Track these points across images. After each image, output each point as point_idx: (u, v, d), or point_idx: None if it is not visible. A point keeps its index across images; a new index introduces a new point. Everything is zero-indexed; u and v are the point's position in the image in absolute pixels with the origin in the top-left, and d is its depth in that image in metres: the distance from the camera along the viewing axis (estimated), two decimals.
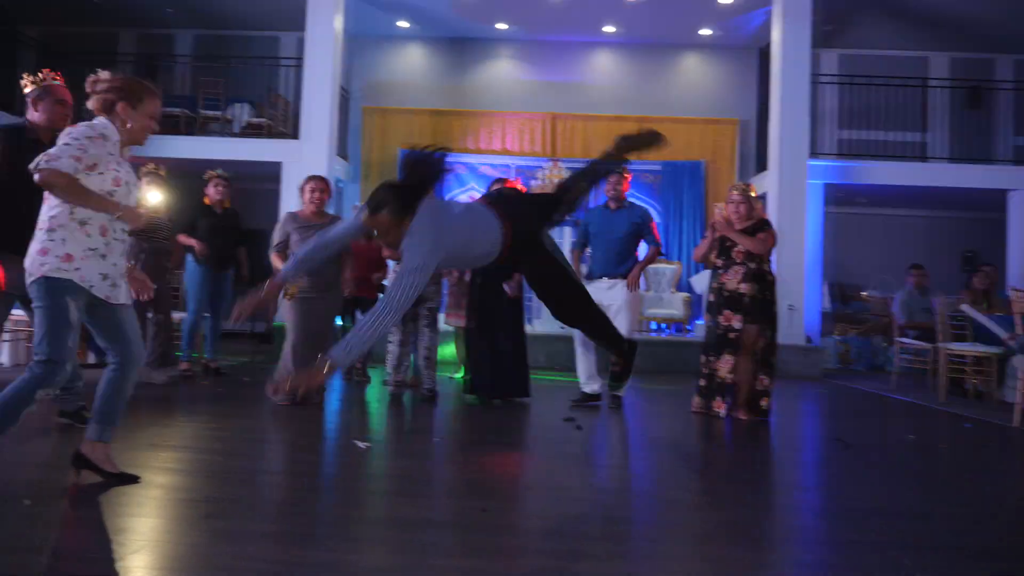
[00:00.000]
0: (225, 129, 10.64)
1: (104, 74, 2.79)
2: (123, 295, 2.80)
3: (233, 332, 9.48)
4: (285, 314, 5.06)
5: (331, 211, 5.65)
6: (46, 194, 2.67)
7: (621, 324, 5.33)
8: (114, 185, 2.69)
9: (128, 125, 2.75)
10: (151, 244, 5.59)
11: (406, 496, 2.96)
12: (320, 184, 5.09)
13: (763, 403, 4.98)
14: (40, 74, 3.82)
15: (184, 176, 10.21)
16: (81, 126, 2.67)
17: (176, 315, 6.70)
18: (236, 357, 7.91)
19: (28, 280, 2.64)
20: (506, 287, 5.26)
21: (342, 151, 10.81)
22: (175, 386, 5.62)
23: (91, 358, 6.68)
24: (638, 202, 5.93)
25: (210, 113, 10.61)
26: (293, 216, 5.07)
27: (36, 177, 2.55)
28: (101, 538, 2.25)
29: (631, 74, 11.66)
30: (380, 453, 3.72)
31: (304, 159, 9.48)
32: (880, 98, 10.83)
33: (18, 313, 6.19)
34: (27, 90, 3.76)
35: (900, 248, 11.48)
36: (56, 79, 3.82)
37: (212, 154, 9.80)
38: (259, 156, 10.05)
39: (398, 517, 2.68)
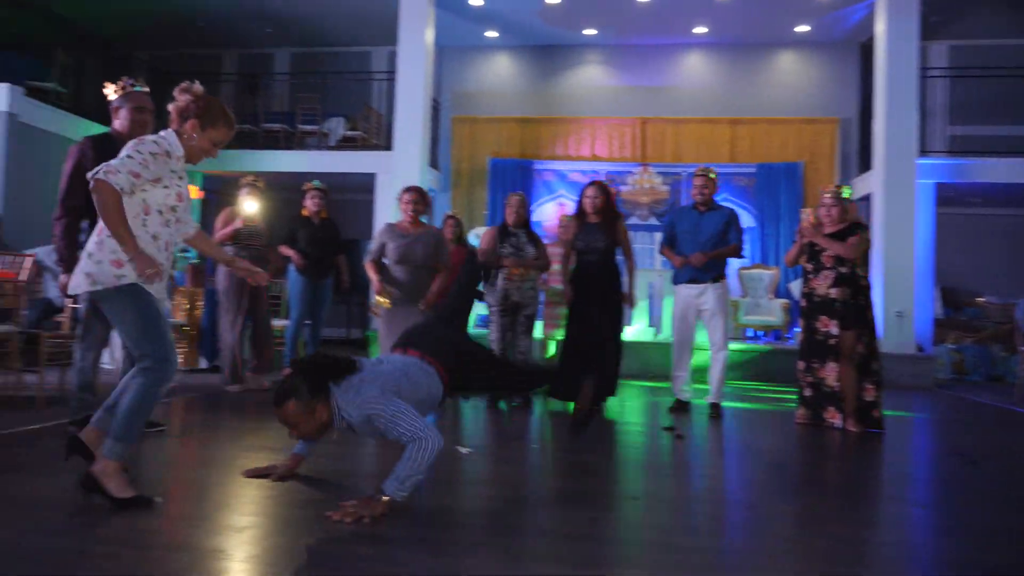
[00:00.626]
0: (322, 143, 10.98)
1: (198, 87, 2.79)
2: (166, 300, 2.88)
3: (331, 339, 9.77)
4: (379, 322, 5.12)
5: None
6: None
7: (716, 330, 5.22)
8: (177, 200, 2.72)
9: (191, 142, 2.75)
10: (248, 252, 5.79)
11: (511, 503, 2.94)
12: (416, 195, 5.13)
13: (875, 413, 4.75)
14: (121, 81, 3.84)
15: (284, 189, 10.61)
16: (149, 141, 2.67)
17: (278, 322, 6.95)
18: None
19: (91, 287, 2.61)
20: (626, 306, 5.32)
21: (433, 161, 10.98)
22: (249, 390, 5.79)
23: (203, 363, 6.97)
24: (726, 205, 5.75)
25: (307, 128, 10.98)
26: (391, 226, 5.13)
27: (90, 184, 2.54)
28: (220, 538, 2.32)
29: (723, 75, 11.38)
30: (481, 459, 3.71)
31: (397, 170, 9.68)
32: (995, 90, 10.20)
33: None
34: (110, 98, 3.84)
35: (1020, 251, 10.76)
36: (137, 85, 3.86)
37: (310, 167, 10.15)
38: (354, 168, 10.32)
39: (504, 524, 2.65)
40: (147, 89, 3.91)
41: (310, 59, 12.44)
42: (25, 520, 2.42)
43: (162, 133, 2.75)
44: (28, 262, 4.94)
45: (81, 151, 3.77)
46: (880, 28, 9.17)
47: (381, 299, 4.91)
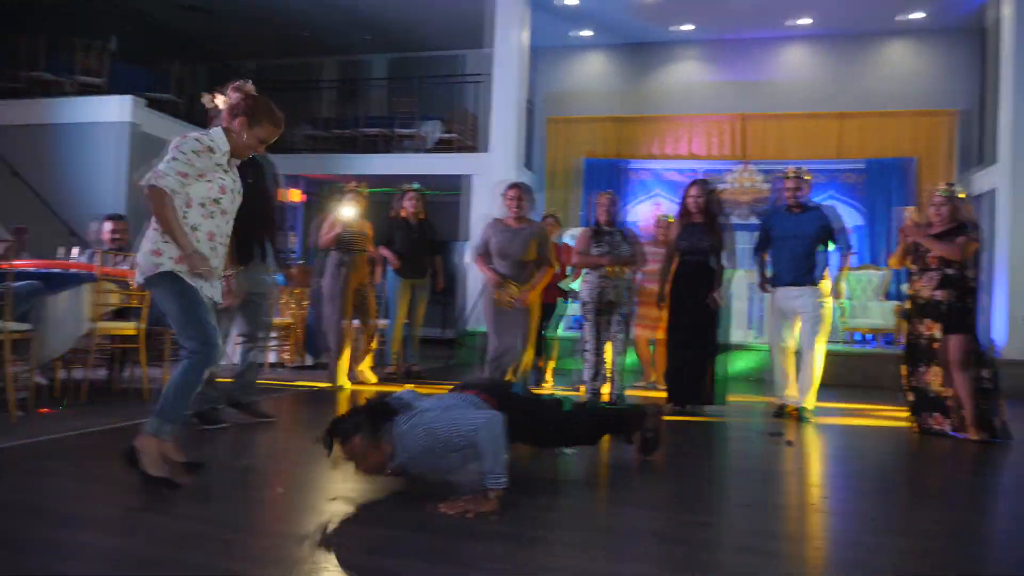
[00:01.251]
0: (418, 146, 11.18)
1: (250, 87, 2.92)
2: (218, 294, 2.93)
3: (427, 338, 9.92)
4: (485, 317, 5.12)
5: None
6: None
7: (809, 333, 4.98)
8: (220, 193, 2.80)
9: (239, 139, 2.85)
10: (351, 256, 5.94)
11: (620, 505, 2.88)
12: (519, 191, 5.14)
13: (996, 422, 4.43)
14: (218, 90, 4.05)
15: (382, 191, 10.87)
16: (191, 139, 2.75)
17: (379, 323, 7.09)
18: (431, 362, 8.22)
19: (141, 277, 2.76)
20: (710, 300, 5.10)
21: (527, 162, 11.01)
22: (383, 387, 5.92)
23: (309, 360, 7.20)
24: (824, 203, 5.47)
25: (404, 131, 11.19)
26: (495, 221, 5.16)
27: (144, 191, 2.66)
28: (346, 529, 2.36)
29: (828, 67, 10.93)
30: (584, 460, 3.66)
31: (492, 171, 9.75)
32: None
33: None
34: (208, 106, 4.05)
35: None
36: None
37: (407, 170, 10.34)
38: (450, 170, 10.47)
39: (614, 526, 2.60)
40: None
41: (406, 64, 12.69)
42: (142, 499, 2.54)
43: (209, 130, 2.87)
44: None
45: None
46: (1007, 11, 8.59)
47: (502, 294, 4.90)
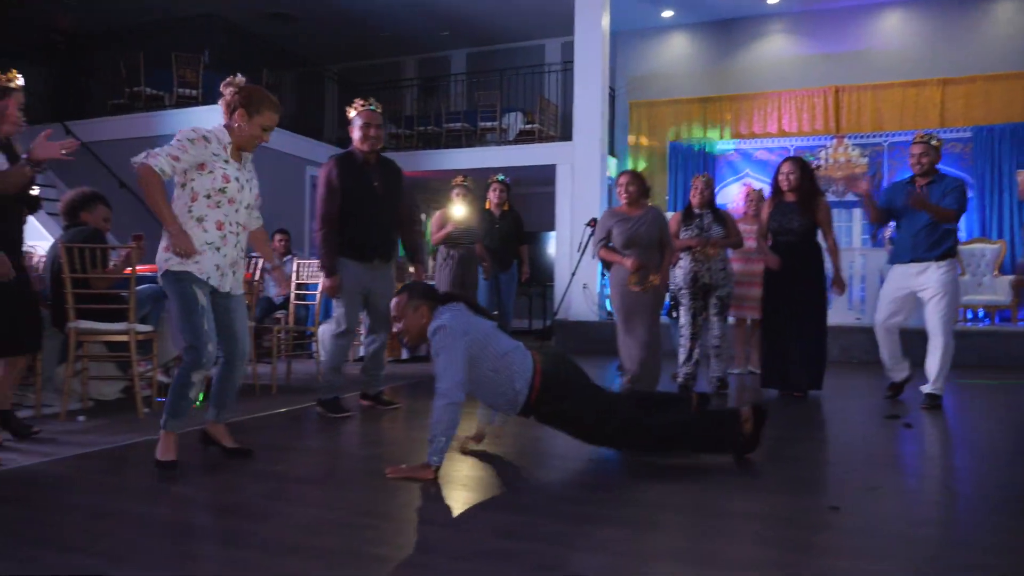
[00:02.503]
0: (501, 138, 11.22)
1: (240, 79, 2.93)
2: (230, 283, 2.94)
3: (516, 330, 9.97)
4: (616, 304, 5.04)
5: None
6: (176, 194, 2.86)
7: (935, 313, 4.65)
8: (224, 182, 2.82)
9: (241, 131, 2.87)
10: (460, 252, 6.02)
11: (740, 489, 2.82)
12: (629, 177, 5.06)
13: None
14: (360, 102, 4.30)
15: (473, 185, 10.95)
16: (188, 130, 2.82)
17: None
18: None
19: (158, 275, 2.87)
20: (831, 292, 4.94)
21: (610, 149, 10.89)
22: None
23: (404, 354, 7.34)
24: (949, 173, 5.02)
25: (487, 125, 11.25)
26: (611, 211, 5.14)
27: (136, 169, 2.72)
28: (468, 515, 2.40)
29: (928, 33, 10.36)
30: None
31: (576, 159, 9.69)
32: None
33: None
34: (350, 116, 4.32)
35: None
36: (365, 105, 4.27)
37: (490, 163, 10.39)
38: (534, 161, 10.45)
39: (733, 511, 2.54)
40: (378, 108, 4.31)
41: (485, 57, 12.75)
42: (271, 488, 2.63)
43: (217, 126, 2.91)
44: (260, 263, 5.40)
45: (328, 169, 4.23)
46: None
47: (643, 279, 4.81)
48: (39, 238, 7.64)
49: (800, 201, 5.01)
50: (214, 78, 10.17)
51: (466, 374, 2.83)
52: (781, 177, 5.08)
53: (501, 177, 7.05)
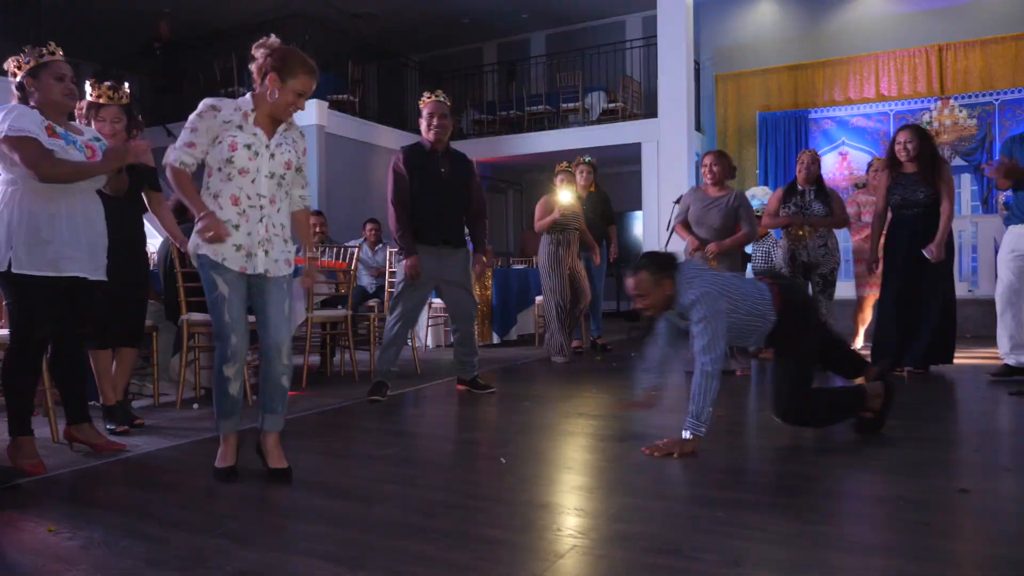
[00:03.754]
0: (584, 119, 11.09)
1: (274, 40, 2.63)
2: (263, 264, 2.61)
3: (607, 312, 9.88)
4: None
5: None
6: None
7: None
8: (230, 151, 2.54)
9: (274, 96, 2.57)
10: (565, 236, 6.00)
11: (862, 472, 2.70)
12: (713, 158, 5.08)
13: None
14: (427, 94, 4.40)
15: (549, 169, 10.90)
16: (198, 107, 2.59)
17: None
18: (613, 335, 8.18)
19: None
20: (926, 251, 4.63)
21: (697, 124, 10.61)
22: (572, 362, 5.95)
23: (495, 338, 7.38)
24: None
25: (569, 106, 11.14)
26: (694, 189, 5.21)
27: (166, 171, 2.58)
28: (575, 496, 2.38)
29: None
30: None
31: (662, 136, 9.49)
32: None
33: (439, 301, 7.10)
34: (421, 107, 4.41)
35: None
36: (432, 97, 4.36)
37: (574, 144, 10.31)
38: (618, 140, 10.31)
39: (864, 493, 2.43)
40: (446, 99, 4.40)
41: (565, 38, 12.62)
42: (381, 472, 2.68)
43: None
44: (356, 252, 5.52)
45: (397, 158, 4.35)
46: None
47: (694, 257, 4.86)
48: (151, 235, 8.06)
49: (922, 171, 4.73)
50: None
51: (726, 340, 2.89)
52: (898, 147, 4.81)
53: (588, 159, 7.00)
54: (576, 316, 6.14)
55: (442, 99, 4.39)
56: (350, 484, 2.59)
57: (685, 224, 5.06)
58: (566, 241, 6.01)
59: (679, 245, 4.90)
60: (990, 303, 4.84)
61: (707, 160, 5.06)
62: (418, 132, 11.84)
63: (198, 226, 2.51)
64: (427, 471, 2.80)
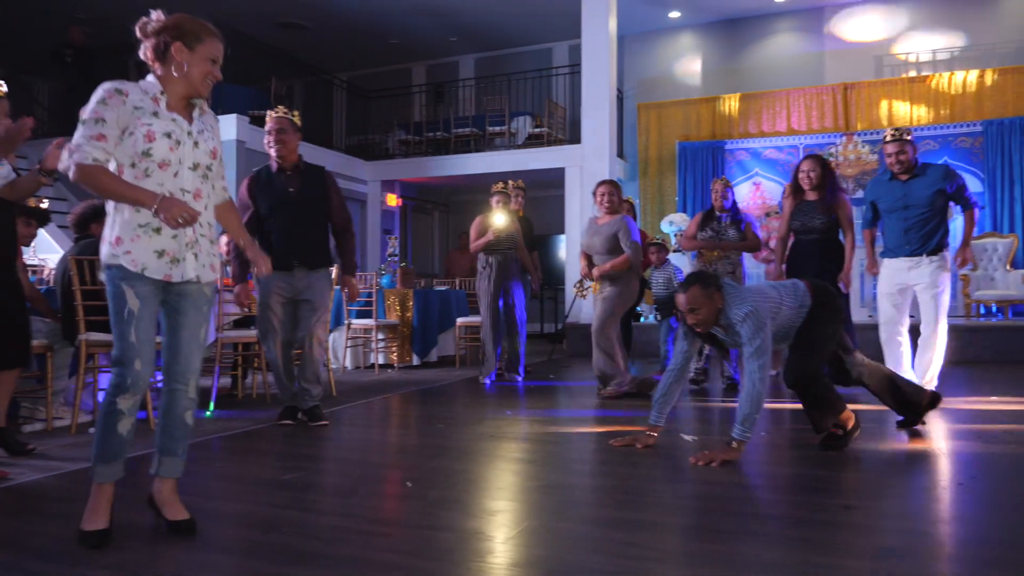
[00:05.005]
0: (510, 142, 11.21)
1: (156, 14, 2.28)
2: (193, 269, 2.27)
3: (530, 334, 9.95)
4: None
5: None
6: None
7: (928, 307, 4.57)
8: (147, 141, 2.18)
9: (185, 69, 2.23)
10: (497, 258, 6.01)
11: (756, 489, 2.79)
12: (607, 188, 5.34)
13: None
14: (270, 111, 4.19)
15: (475, 191, 10.93)
16: (97, 90, 2.20)
17: (476, 319, 7.14)
18: (535, 356, 8.23)
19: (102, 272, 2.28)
20: (841, 285, 4.88)
21: (619, 151, 10.86)
22: (495, 383, 5.95)
23: (415, 360, 7.33)
24: (934, 163, 4.88)
25: (495, 129, 11.24)
26: (591, 220, 5.48)
27: (72, 175, 2.15)
28: (477, 520, 2.37)
29: (936, 28, 10.27)
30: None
31: (585, 162, 9.67)
32: None
33: (359, 322, 6.99)
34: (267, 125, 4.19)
35: None
36: (274, 113, 4.14)
37: (500, 167, 10.40)
38: (543, 164, 10.45)
39: (754, 511, 2.51)
40: (289, 114, 4.16)
41: (493, 62, 12.75)
42: (282, 498, 2.62)
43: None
44: None
45: (241, 185, 4.30)
46: None
47: (581, 287, 5.24)
48: (50, 251, 7.70)
49: (821, 199, 4.96)
50: (222, 88, 10.23)
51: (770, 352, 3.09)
52: (801, 175, 5.04)
53: (518, 182, 7.09)
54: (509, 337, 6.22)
55: (284, 114, 4.14)
56: (248, 511, 2.52)
57: (585, 253, 5.35)
58: (500, 263, 6.05)
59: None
60: None
61: (601, 190, 5.33)
62: (343, 151, 11.81)
63: (161, 217, 2.12)
64: (329, 496, 2.75)
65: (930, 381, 4.58)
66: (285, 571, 1.94)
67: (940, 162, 9.38)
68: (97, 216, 4.30)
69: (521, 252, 6.29)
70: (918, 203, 4.60)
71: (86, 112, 2.16)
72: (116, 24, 10.71)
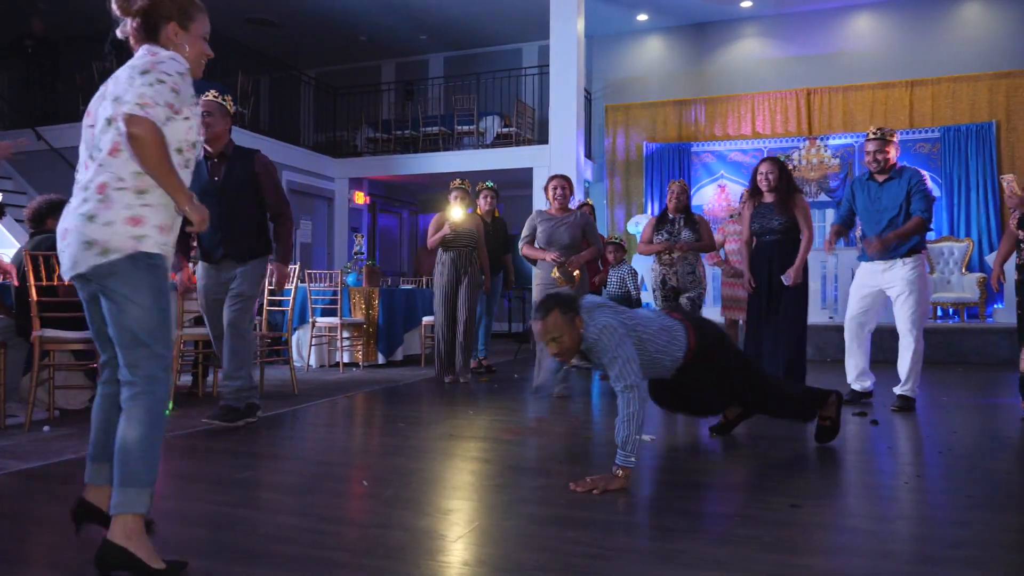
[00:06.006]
0: (478, 142, 11.23)
1: None
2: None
3: (497, 333, 9.98)
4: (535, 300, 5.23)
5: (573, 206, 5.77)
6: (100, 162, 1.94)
7: (903, 312, 4.67)
8: (199, 135, 2.09)
9: (185, 51, 2.06)
10: (454, 254, 6.01)
11: (704, 489, 2.85)
12: (562, 182, 5.40)
13: None
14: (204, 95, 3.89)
15: (444, 190, 10.92)
16: (167, 57, 1.96)
17: None
18: (501, 356, 8.26)
19: (110, 257, 1.91)
20: (784, 277, 4.93)
21: (587, 152, 10.93)
22: (456, 383, 5.97)
23: (380, 359, 7.31)
24: (910, 167, 4.86)
25: (464, 128, 11.26)
26: (539, 212, 5.48)
27: (122, 126, 1.83)
28: (430, 519, 2.40)
29: (896, 35, 10.50)
30: (660, 446, 3.62)
31: (553, 163, 9.72)
32: None
33: (324, 320, 6.96)
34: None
35: None
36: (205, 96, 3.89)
37: (468, 166, 10.42)
38: (511, 164, 10.49)
39: (704, 511, 2.57)
40: (221, 98, 3.97)
41: (462, 61, 12.76)
42: (236, 496, 2.62)
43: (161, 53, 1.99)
44: None
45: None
46: None
47: (560, 272, 5.11)
48: (7, 245, 7.56)
49: (779, 200, 5.05)
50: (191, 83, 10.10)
51: (639, 366, 2.82)
52: (760, 178, 5.12)
53: (490, 183, 7.10)
54: (462, 337, 6.07)
55: (213, 98, 3.89)
56: (199, 510, 2.51)
57: (531, 244, 5.33)
58: (455, 259, 6.03)
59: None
60: None
61: (555, 183, 5.39)
62: (310, 147, 11.71)
63: (166, 226, 1.94)
64: (283, 495, 2.76)
65: (908, 386, 4.64)
66: (234, 570, 1.95)
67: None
68: (53, 211, 4.24)
69: (480, 252, 6.23)
70: (890, 206, 4.66)
71: (163, 75, 1.90)
72: (79, 14, 10.59)
